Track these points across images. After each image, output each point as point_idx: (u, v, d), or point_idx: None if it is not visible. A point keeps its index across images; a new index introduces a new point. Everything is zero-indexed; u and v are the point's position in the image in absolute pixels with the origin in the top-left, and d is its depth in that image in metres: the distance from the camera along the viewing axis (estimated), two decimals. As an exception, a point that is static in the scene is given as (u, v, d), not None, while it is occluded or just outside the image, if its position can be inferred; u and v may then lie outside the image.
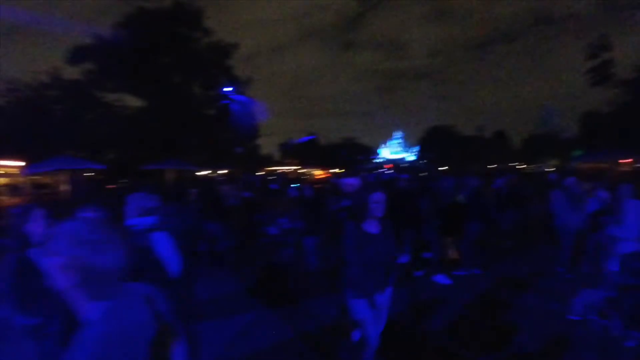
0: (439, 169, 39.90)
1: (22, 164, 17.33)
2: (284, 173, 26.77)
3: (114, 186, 16.63)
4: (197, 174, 19.48)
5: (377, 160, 65.52)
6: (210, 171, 21.05)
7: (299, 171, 37.73)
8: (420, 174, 15.28)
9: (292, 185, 6.47)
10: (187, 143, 18.71)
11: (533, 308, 4.02)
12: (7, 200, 13.62)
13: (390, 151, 70.99)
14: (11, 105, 18.01)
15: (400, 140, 71.76)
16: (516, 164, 40.10)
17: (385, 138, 72.80)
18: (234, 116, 20.50)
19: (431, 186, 6.50)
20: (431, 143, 50.44)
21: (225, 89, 20.60)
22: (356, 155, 54.46)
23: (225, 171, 21.15)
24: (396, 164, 55.75)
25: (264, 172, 26.04)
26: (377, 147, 70.73)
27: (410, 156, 65.57)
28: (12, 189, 18.10)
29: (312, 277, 4.80)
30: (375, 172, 32.43)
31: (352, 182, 4.38)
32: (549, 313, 3.80)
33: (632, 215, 3.42)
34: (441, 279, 4.88)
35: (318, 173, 35.12)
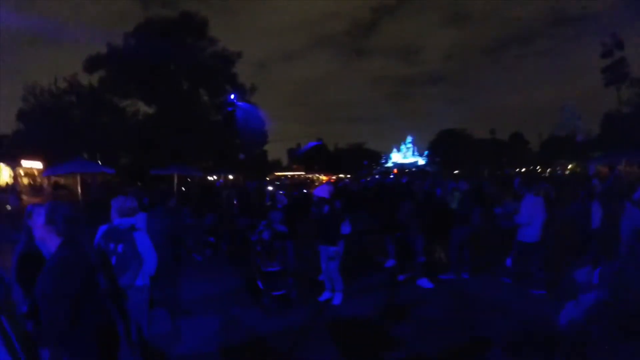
0: (454, 172, 39.28)
1: (43, 165, 18.22)
2: (286, 178, 27.18)
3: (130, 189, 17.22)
4: (210, 178, 19.99)
5: (387, 165, 65.06)
6: (216, 177, 21.55)
7: (304, 176, 37.95)
8: (410, 178, 15.02)
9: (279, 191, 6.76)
10: (194, 148, 19.23)
11: (518, 316, 3.88)
12: (29, 199, 14.30)
13: (402, 156, 70.34)
14: (33, 110, 18.94)
15: (411, 145, 71.03)
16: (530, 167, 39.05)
17: (397, 143, 72.17)
18: (238, 123, 20.99)
19: (419, 189, 6.52)
20: (443, 147, 49.63)
21: (229, 96, 21.13)
22: (364, 160, 54.19)
23: (231, 177, 21.60)
24: (403, 168, 55.20)
25: (268, 179, 26.47)
26: (389, 152, 70.17)
27: (421, 160, 64.83)
28: (33, 188, 19.02)
29: (291, 278, 4.87)
30: (374, 176, 32.16)
31: (322, 190, 4.50)
32: (533, 322, 3.60)
33: None
34: (424, 282, 4.91)
35: (324, 178, 35.42)
